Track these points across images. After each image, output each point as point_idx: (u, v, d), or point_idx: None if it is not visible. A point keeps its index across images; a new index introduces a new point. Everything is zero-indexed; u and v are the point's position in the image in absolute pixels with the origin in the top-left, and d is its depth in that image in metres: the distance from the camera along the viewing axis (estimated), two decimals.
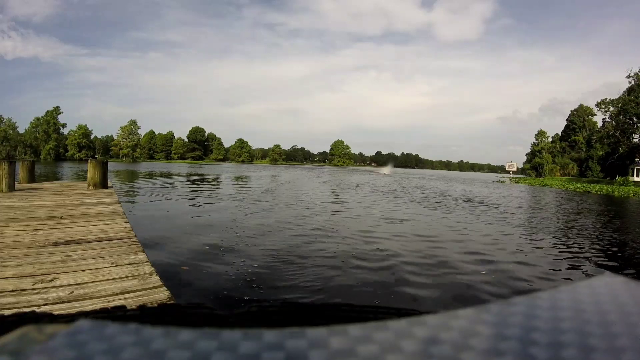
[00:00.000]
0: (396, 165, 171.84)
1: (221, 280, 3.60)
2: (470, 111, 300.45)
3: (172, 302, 1.73)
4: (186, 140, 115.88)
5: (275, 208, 9.20)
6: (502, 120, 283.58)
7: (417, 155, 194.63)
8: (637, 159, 41.59)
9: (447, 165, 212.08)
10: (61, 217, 3.81)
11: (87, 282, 1.91)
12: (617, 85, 72.82)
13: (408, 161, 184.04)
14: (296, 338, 0.18)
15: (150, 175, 24.71)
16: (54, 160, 74.54)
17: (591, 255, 5.51)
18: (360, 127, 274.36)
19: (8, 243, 2.66)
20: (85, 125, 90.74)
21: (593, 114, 56.49)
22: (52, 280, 1.91)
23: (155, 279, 1.99)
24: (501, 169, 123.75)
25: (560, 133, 64.30)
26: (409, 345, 0.17)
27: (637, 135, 41.85)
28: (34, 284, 1.84)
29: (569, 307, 0.21)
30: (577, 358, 0.17)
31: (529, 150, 69.78)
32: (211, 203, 10.16)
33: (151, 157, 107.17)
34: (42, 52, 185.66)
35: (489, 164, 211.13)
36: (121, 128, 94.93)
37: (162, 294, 1.80)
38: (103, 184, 7.27)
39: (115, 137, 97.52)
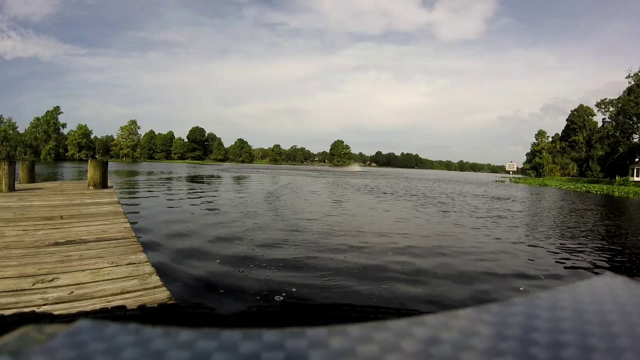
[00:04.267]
0: (396, 165, 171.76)
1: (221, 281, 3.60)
2: (471, 111, 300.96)
3: (172, 302, 1.73)
4: (186, 140, 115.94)
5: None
6: (503, 120, 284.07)
7: (417, 155, 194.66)
8: (637, 159, 41.60)
9: (447, 166, 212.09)
10: (61, 217, 3.81)
11: (87, 282, 1.91)
12: (619, 84, 72.91)
13: (408, 161, 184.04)
14: (296, 338, 0.18)
15: (150, 176, 24.71)
16: (54, 160, 74.53)
17: (592, 255, 5.51)
18: (360, 127, 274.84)
19: (8, 243, 2.66)
20: (85, 125, 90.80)
21: (593, 114, 56.55)
22: (52, 280, 1.91)
23: (155, 279, 1.99)
24: (501, 169, 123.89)
25: (560, 133, 64.32)
26: (409, 345, 0.17)
27: (637, 135, 41.87)
28: (34, 284, 1.84)
29: (569, 307, 0.21)
30: (577, 358, 0.17)
31: (529, 150, 69.82)
32: (210, 202, 10.17)
33: (151, 157, 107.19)
34: (41, 51, 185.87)
35: (489, 164, 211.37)
36: (121, 128, 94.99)
37: (162, 294, 1.80)
38: (103, 184, 7.27)
39: (115, 137, 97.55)
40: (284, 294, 3.25)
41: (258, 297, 3.17)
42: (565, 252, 5.63)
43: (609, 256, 5.55)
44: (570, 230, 7.82)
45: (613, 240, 6.83)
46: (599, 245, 6.26)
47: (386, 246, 5.31)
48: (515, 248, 5.70)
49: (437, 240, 5.98)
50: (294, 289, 3.38)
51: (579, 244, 6.29)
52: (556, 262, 5.00)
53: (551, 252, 5.58)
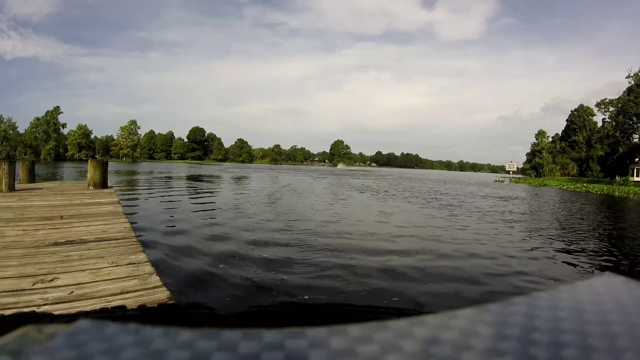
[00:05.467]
0: (396, 166, 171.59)
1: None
2: (471, 111, 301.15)
3: (172, 302, 1.73)
4: (186, 140, 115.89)
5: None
6: (503, 120, 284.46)
7: (417, 155, 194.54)
8: (637, 159, 41.60)
9: (447, 166, 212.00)
10: (61, 217, 3.81)
11: (87, 282, 1.91)
12: (619, 84, 73.02)
13: (408, 161, 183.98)
14: (296, 338, 0.18)
15: (150, 176, 24.71)
16: (54, 160, 74.51)
17: (593, 255, 5.51)
18: (360, 127, 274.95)
19: (8, 243, 2.66)
20: (85, 125, 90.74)
21: (593, 114, 56.53)
22: (52, 280, 1.91)
23: (155, 279, 1.99)
24: (501, 169, 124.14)
25: (560, 133, 64.31)
26: (409, 345, 0.17)
27: (636, 135, 41.87)
28: (34, 284, 1.84)
29: (569, 307, 0.21)
30: (577, 358, 0.17)
31: (529, 150, 69.74)
32: (211, 201, 10.17)
33: (151, 157, 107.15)
34: (41, 52, 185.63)
35: (489, 164, 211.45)
36: (121, 128, 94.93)
37: (162, 294, 1.80)
38: (103, 184, 7.27)
39: (115, 137, 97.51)
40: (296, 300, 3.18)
41: (265, 303, 3.14)
42: (575, 254, 5.57)
43: (611, 256, 5.55)
44: (576, 232, 7.82)
45: (615, 241, 6.83)
46: (604, 246, 6.26)
47: (400, 253, 5.13)
48: (525, 251, 5.63)
49: (451, 246, 5.76)
50: (306, 297, 3.28)
51: (587, 245, 6.28)
52: (572, 265, 4.92)
53: (564, 256, 5.49)
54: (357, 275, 3.93)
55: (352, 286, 3.61)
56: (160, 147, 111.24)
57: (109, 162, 8.04)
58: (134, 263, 2.26)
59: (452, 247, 5.53)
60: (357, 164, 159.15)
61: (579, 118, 60.13)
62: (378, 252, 5.02)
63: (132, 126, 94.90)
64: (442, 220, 8.41)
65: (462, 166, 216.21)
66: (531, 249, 5.71)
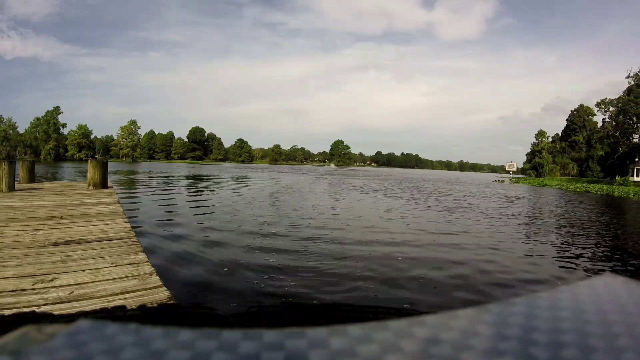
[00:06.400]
0: (396, 166, 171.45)
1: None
2: (471, 111, 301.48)
3: (172, 302, 1.72)
4: (186, 140, 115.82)
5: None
6: (503, 120, 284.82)
7: (417, 155, 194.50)
8: (637, 159, 41.57)
9: (447, 166, 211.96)
10: (61, 217, 3.81)
11: (87, 282, 1.91)
12: (619, 84, 73.07)
13: (408, 161, 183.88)
14: (296, 338, 0.18)
15: (151, 176, 24.69)
16: (54, 160, 74.44)
17: (593, 254, 5.51)
18: (360, 127, 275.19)
19: (8, 243, 2.66)
20: (85, 125, 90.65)
21: (593, 114, 56.48)
22: (52, 280, 1.91)
23: (155, 279, 1.99)
24: (501, 169, 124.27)
25: (560, 133, 64.26)
26: (409, 345, 0.17)
27: (636, 135, 41.84)
28: (34, 284, 1.84)
29: (569, 307, 0.21)
30: (577, 358, 0.17)
31: (529, 150, 69.65)
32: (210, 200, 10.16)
33: (151, 157, 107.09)
34: (41, 51, 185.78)
35: (489, 164, 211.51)
36: (121, 128, 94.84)
37: (162, 294, 1.80)
38: (103, 184, 7.26)
39: (115, 137, 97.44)
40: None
41: (265, 303, 3.15)
42: (577, 254, 5.57)
43: (610, 256, 5.55)
44: (578, 232, 7.82)
45: (616, 241, 6.82)
46: (602, 245, 6.26)
47: (405, 253, 5.08)
48: (531, 251, 5.63)
49: (459, 248, 5.66)
50: (315, 301, 3.22)
51: (581, 243, 6.29)
52: (573, 265, 4.91)
53: (565, 256, 5.51)
54: (359, 277, 3.93)
55: (353, 287, 3.62)
56: (160, 147, 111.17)
57: (109, 162, 8.04)
58: (134, 263, 2.26)
59: (461, 250, 5.53)
60: (357, 164, 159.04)
61: (579, 118, 60.08)
62: (383, 253, 5.02)
63: (132, 126, 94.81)
64: (449, 224, 8.37)
65: (462, 166, 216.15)
66: (536, 249, 5.71)
